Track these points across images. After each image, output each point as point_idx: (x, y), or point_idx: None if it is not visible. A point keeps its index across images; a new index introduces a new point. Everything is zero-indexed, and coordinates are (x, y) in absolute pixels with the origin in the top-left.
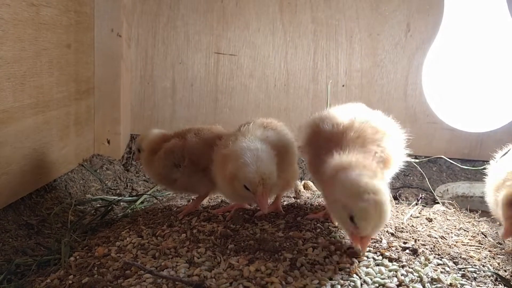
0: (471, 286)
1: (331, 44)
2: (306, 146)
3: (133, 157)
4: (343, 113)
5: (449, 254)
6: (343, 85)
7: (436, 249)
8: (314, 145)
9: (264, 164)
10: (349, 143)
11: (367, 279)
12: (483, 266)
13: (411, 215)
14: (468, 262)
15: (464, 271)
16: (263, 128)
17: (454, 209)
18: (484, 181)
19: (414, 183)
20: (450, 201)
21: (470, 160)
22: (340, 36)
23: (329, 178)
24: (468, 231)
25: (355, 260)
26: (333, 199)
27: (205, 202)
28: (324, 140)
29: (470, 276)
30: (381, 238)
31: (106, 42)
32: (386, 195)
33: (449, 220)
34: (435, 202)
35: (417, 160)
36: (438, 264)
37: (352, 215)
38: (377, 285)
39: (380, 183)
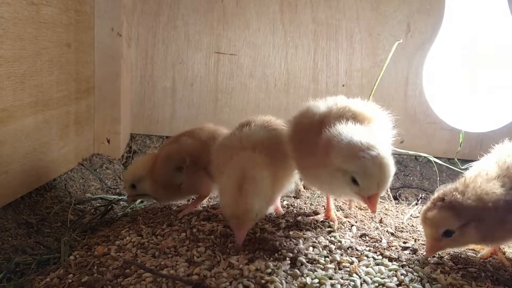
0: (471, 286)
1: (331, 44)
2: (289, 143)
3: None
4: (321, 104)
5: (449, 253)
6: (343, 85)
7: None
8: (296, 141)
9: (241, 199)
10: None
11: (367, 278)
12: (483, 266)
13: (411, 215)
14: (468, 262)
15: (464, 271)
16: (265, 129)
17: None
18: None
19: (414, 183)
20: None
21: (470, 161)
22: (340, 36)
23: (322, 154)
24: None
25: (355, 260)
26: (329, 172)
27: (204, 201)
28: (303, 133)
29: (470, 276)
30: (381, 238)
31: (106, 41)
32: (384, 148)
33: None
34: None
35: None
36: (438, 264)
37: (353, 176)
38: (377, 284)
39: (374, 138)
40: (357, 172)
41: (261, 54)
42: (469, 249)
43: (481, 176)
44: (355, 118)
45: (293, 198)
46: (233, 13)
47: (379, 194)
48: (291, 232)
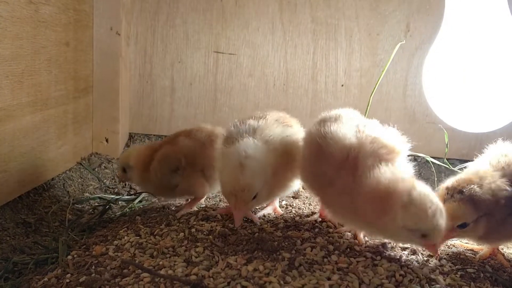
0: (469, 287)
1: (330, 44)
2: (306, 171)
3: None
4: (348, 132)
5: (448, 254)
6: (342, 85)
7: None
8: (317, 170)
9: (243, 175)
10: (364, 169)
11: (366, 279)
12: (482, 266)
13: None
14: (467, 263)
15: (463, 271)
16: (281, 125)
17: None
18: None
19: None
20: None
21: (469, 161)
22: (339, 36)
23: (375, 209)
24: None
25: (354, 260)
26: (388, 228)
27: (203, 201)
28: (332, 169)
29: (469, 277)
30: (380, 238)
31: (105, 40)
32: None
33: None
34: None
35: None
36: (437, 265)
37: (425, 234)
38: (375, 285)
39: (424, 188)
40: (431, 229)
41: (260, 54)
42: (468, 250)
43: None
44: (388, 156)
45: (292, 198)
46: (232, 12)
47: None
48: (289, 233)
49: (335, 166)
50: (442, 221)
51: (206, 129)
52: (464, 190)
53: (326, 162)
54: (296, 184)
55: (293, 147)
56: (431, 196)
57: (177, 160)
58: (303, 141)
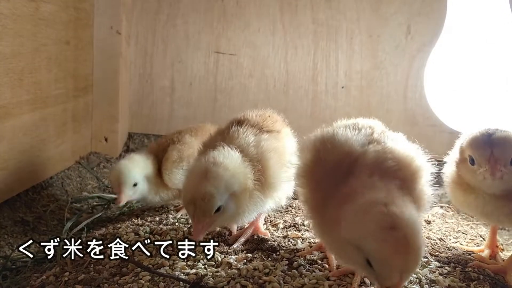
0: None
1: (331, 45)
2: (303, 178)
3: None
4: (353, 138)
5: (447, 256)
6: (342, 87)
7: (435, 251)
8: (314, 178)
9: (205, 182)
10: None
11: (365, 279)
12: (482, 269)
13: None
14: (467, 265)
15: (463, 273)
16: (258, 131)
17: (453, 212)
18: None
19: None
20: (449, 204)
21: None
22: (340, 37)
23: (333, 214)
24: (466, 234)
25: None
26: (340, 241)
27: None
28: (326, 173)
29: (468, 278)
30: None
31: (105, 39)
32: (414, 227)
33: (447, 222)
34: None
35: None
36: (437, 266)
37: (368, 259)
38: (375, 286)
39: (403, 211)
40: (373, 256)
41: (261, 54)
42: (468, 251)
43: None
44: (399, 173)
45: (292, 199)
46: (233, 13)
47: (401, 284)
48: (289, 233)
49: (327, 173)
50: (404, 262)
51: (210, 128)
52: None
53: (322, 170)
54: (282, 198)
55: (272, 157)
56: (399, 217)
57: (190, 154)
58: (303, 147)
